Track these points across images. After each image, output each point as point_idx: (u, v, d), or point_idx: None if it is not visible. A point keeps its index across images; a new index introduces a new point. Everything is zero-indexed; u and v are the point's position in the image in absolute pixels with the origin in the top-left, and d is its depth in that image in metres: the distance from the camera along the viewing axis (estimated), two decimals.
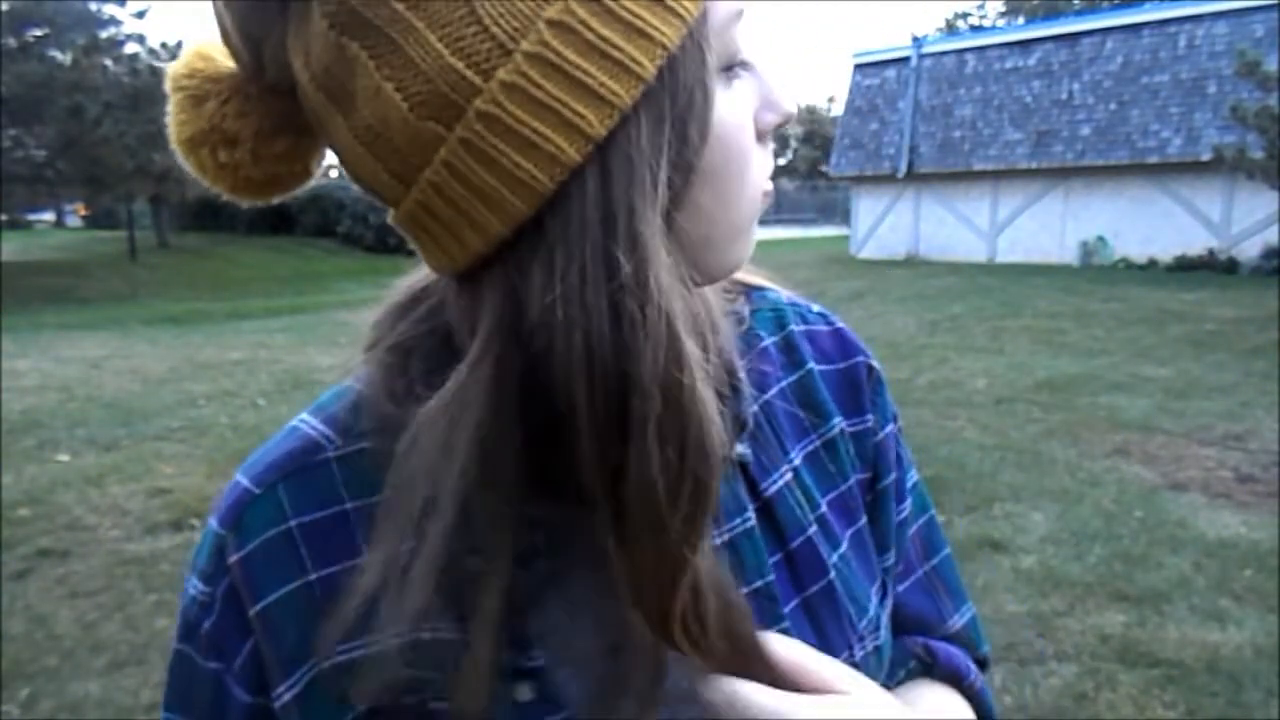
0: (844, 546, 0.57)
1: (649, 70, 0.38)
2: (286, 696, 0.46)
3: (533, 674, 0.46)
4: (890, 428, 0.63)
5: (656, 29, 0.38)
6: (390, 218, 0.45)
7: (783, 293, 0.63)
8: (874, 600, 0.58)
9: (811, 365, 0.60)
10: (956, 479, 4.51)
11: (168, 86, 0.46)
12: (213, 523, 0.49)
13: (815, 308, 0.64)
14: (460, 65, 0.37)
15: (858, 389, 0.61)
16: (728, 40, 0.42)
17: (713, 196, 0.43)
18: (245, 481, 0.49)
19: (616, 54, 0.37)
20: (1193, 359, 7.51)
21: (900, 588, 0.63)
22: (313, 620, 0.45)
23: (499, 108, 0.37)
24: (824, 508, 0.56)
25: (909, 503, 0.64)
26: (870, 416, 0.61)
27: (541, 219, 0.39)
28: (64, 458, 5.17)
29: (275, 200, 0.50)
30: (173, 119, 0.46)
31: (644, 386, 0.39)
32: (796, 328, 0.61)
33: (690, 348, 0.40)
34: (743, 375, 0.53)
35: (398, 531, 0.42)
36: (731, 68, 0.43)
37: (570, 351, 0.39)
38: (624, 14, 0.37)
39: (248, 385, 7.28)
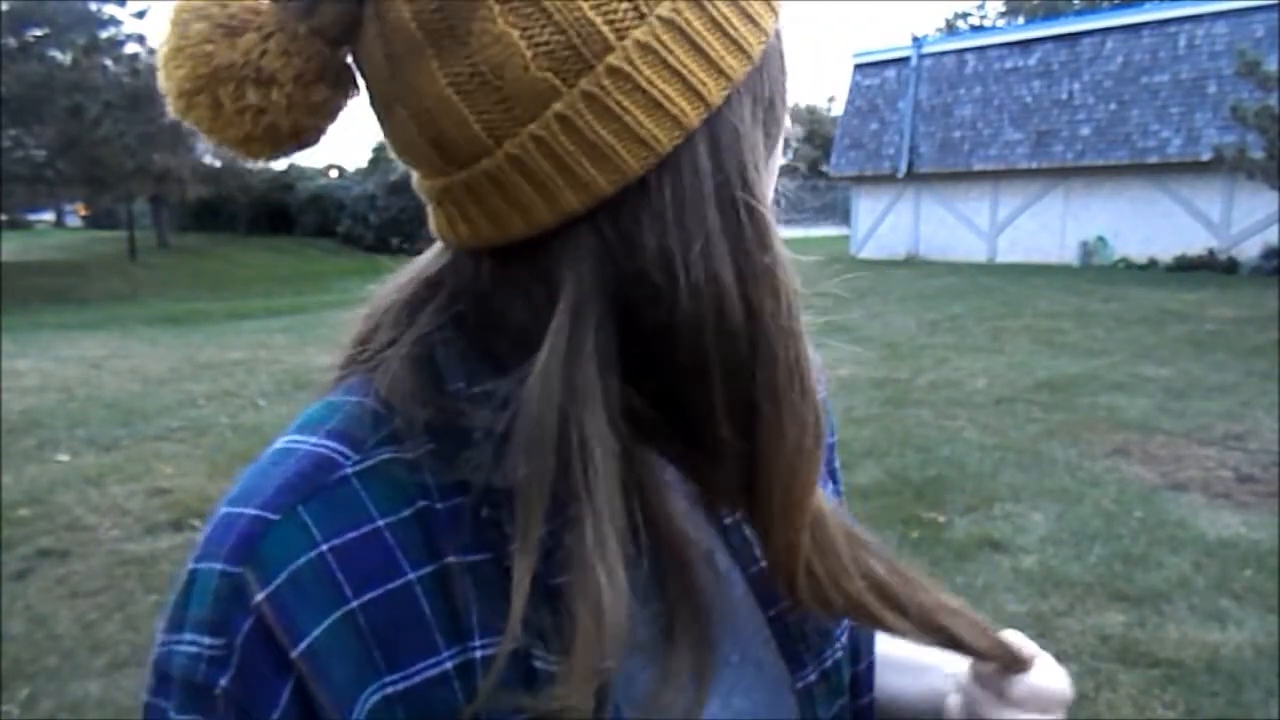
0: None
1: (756, 51, 0.41)
2: None
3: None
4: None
5: (762, 16, 0.41)
6: (441, 180, 0.43)
7: None
8: None
9: None
10: (956, 479, 4.51)
11: (180, 15, 0.41)
12: (211, 566, 0.42)
13: None
14: (598, 20, 0.38)
15: None
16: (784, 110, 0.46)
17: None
18: (252, 510, 0.42)
19: (734, 33, 0.40)
20: (1193, 359, 7.51)
21: None
22: (362, 651, 0.41)
23: (631, 66, 0.38)
24: None
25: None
26: (822, 389, 0.65)
27: (646, 180, 0.39)
28: (64, 458, 5.17)
29: (279, 158, 0.45)
30: (188, 49, 0.41)
31: (772, 339, 0.41)
32: None
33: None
34: None
35: (542, 521, 0.41)
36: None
37: (699, 310, 0.40)
38: None
39: (248, 385, 7.28)
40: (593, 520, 0.40)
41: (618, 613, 0.40)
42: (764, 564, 0.51)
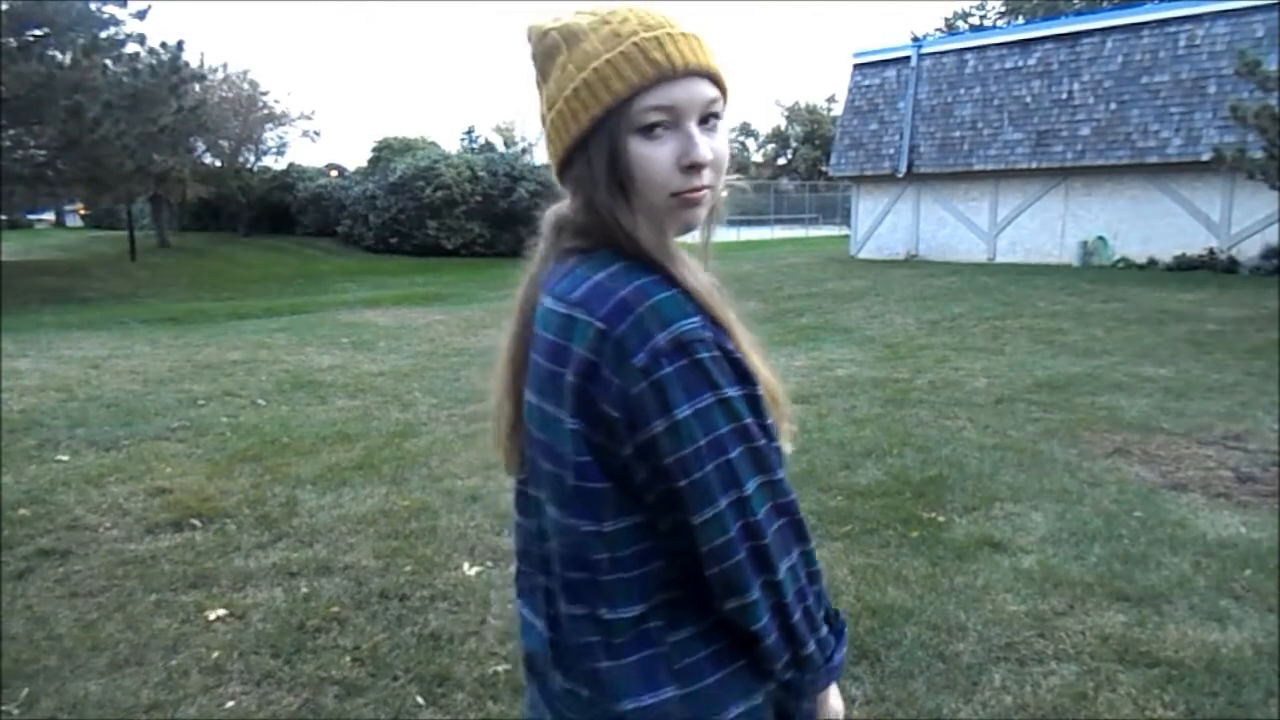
0: None
1: (583, 123, 0.90)
2: None
3: None
4: None
5: (579, 116, 0.91)
6: None
7: None
8: None
9: None
10: (956, 479, 4.51)
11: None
12: None
13: None
14: (568, 87, 0.91)
15: None
16: (643, 118, 0.88)
17: (638, 187, 0.91)
18: None
19: (576, 114, 0.91)
20: (1193, 359, 7.51)
21: None
22: None
23: (564, 102, 0.92)
24: None
25: None
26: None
27: (571, 157, 0.94)
28: (64, 458, 5.17)
29: None
30: None
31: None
32: None
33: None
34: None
35: None
36: (652, 130, 0.89)
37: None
38: (571, 108, 0.91)
39: (248, 385, 7.28)
40: None
41: None
42: None
